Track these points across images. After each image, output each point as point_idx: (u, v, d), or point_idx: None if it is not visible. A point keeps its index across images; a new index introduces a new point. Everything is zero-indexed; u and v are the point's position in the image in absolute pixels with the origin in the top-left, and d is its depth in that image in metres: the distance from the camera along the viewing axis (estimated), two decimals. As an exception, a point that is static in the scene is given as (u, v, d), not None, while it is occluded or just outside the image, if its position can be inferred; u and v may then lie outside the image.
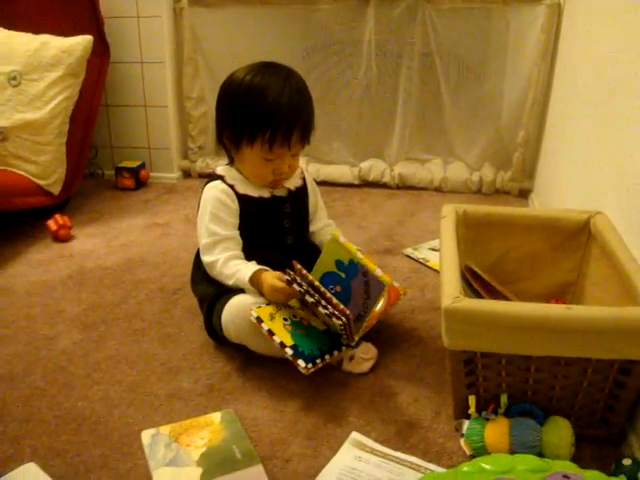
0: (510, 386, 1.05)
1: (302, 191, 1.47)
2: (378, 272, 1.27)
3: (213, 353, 1.36)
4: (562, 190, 1.93)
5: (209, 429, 1.09)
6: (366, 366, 1.28)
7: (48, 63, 2.08)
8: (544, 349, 0.98)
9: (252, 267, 1.30)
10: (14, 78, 2.06)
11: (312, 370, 1.19)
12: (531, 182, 2.39)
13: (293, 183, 1.44)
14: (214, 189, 1.37)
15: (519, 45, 2.31)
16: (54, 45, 2.10)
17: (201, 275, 1.41)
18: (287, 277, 1.24)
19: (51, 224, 1.97)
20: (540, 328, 0.95)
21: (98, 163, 2.63)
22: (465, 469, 0.60)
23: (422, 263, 1.81)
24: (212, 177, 1.42)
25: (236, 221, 1.36)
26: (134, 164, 2.51)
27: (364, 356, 1.29)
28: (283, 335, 1.21)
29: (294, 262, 1.27)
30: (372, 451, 1.06)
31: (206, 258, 1.35)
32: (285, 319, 1.26)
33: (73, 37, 2.13)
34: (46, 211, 2.05)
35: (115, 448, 1.07)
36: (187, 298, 1.57)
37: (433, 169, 2.52)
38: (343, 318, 1.19)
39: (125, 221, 2.17)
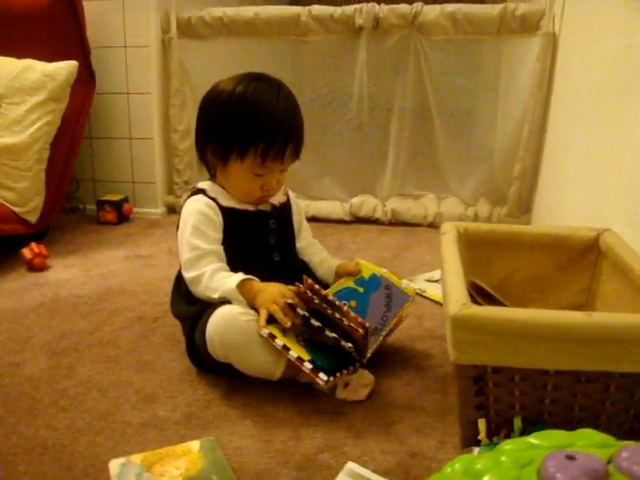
0: (524, 407, 0.94)
1: (286, 207, 1.40)
2: (403, 284, 1.26)
3: (194, 380, 1.24)
4: (563, 222, 1.86)
5: (186, 458, 0.97)
6: (363, 393, 1.17)
7: (30, 87, 2.01)
8: (562, 362, 0.88)
9: (241, 275, 1.20)
10: (-6, 101, 1.99)
11: (331, 384, 1.12)
12: (528, 217, 2.32)
13: (277, 199, 1.37)
14: (196, 202, 1.29)
15: (513, 76, 2.28)
16: (37, 69, 2.04)
17: (181, 296, 1.31)
18: (290, 301, 1.15)
19: (26, 252, 1.86)
20: (558, 337, 0.86)
21: (80, 197, 2.53)
22: (508, 447, 0.49)
23: (419, 294, 1.71)
24: (193, 192, 1.33)
25: (220, 236, 1.27)
26: (117, 197, 2.41)
27: (361, 382, 1.18)
28: (298, 349, 1.12)
29: (305, 277, 1.19)
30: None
31: (190, 274, 1.24)
32: (297, 335, 1.17)
33: (57, 62, 2.07)
34: (22, 240, 1.93)
35: (79, 479, 0.95)
36: (167, 326, 1.47)
37: (427, 204, 2.45)
38: (360, 330, 1.12)
39: (105, 253, 2.06)
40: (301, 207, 1.46)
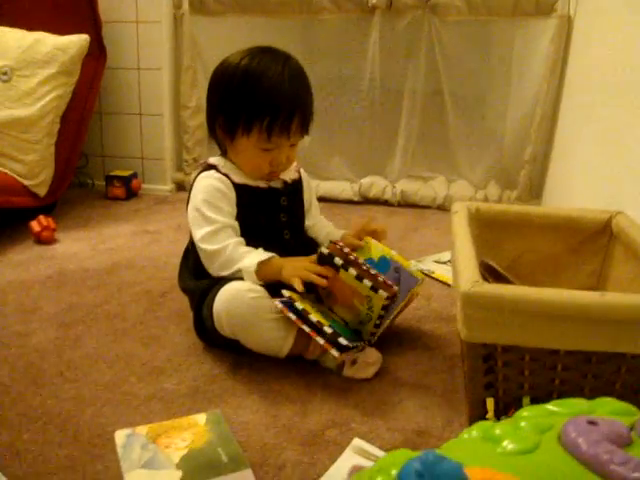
0: (533, 387, 0.93)
1: (298, 184, 1.38)
2: (412, 268, 1.25)
3: (200, 355, 1.24)
4: (574, 206, 1.84)
5: (192, 430, 0.97)
6: (370, 371, 1.16)
7: (41, 60, 2.00)
8: (573, 342, 0.87)
9: (263, 253, 1.20)
10: (5, 73, 1.98)
11: (342, 358, 1.13)
12: (538, 202, 2.30)
13: (289, 175, 1.35)
14: (209, 178, 1.27)
15: (526, 59, 2.24)
16: (49, 42, 2.03)
17: (189, 271, 1.31)
18: (327, 251, 1.17)
19: (34, 225, 1.86)
20: (569, 317, 0.85)
21: (88, 172, 2.52)
22: (526, 413, 0.48)
23: (427, 274, 1.69)
24: (204, 168, 1.31)
25: (234, 210, 1.26)
26: (126, 173, 2.41)
27: (368, 360, 1.17)
28: (318, 316, 1.13)
29: (335, 241, 1.21)
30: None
31: (209, 246, 1.21)
32: (312, 306, 1.17)
33: (69, 35, 2.06)
34: (30, 213, 1.93)
35: (84, 449, 0.95)
36: (175, 301, 1.46)
37: (436, 187, 2.43)
38: (394, 288, 1.14)
39: (113, 227, 2.06)
40: (312, 185, 1.45)
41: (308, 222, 1.41)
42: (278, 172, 1.30)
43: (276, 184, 1.32)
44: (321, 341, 1.10)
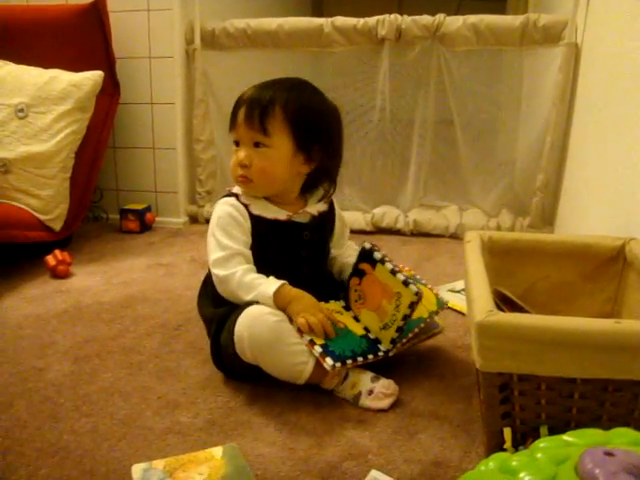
0: (551, 417, 0.92)
1: (326, 216, 1.36)
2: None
3: (216, 387, 1.24)
4: (587, 233, 1.84)
5: (209, 464, 0.97)
6: (386, 402, 1.16)
7: (57, 96, 2.03)
8: (589, 370, 0.86)
9: (276, 281, 1.20)
10: (21, 110, 2.01)
11: (338, 369, 1.14)
12: (551, 229, 2.29)
13: (317, 208, 1.33)
14: (225, 204, 1.29)
15: (535, 87, 2.26)
16: (64, 79, 2.07)
17: (209, 299, 1.31)
18: (368, 245, 1.26)
19: (50, 259, 1.88)
20: (585, 345, 0.84)
21: (103, 206, 2.55)
22: (543, 445, 0.48)
23: (441, 303, 1.70)
24: (225, 194, 1.32)
25: (248, 239, 1.26)
26: (140, 206, 2.43)
27: (385, 391, 1.17)
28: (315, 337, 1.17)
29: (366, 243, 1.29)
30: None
31: (220, 271, 1.23)
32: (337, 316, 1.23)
33: (83, 72, 2.10)
34: (45, 247, 1.95)
35: (101, 483, 0.95)
36: (190, 334, 1.47)
37: (449, 216, 2.43)
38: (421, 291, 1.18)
39: (127, 261, 2.07)
40: (344, 216, 1.45)
41: (339, 250, 1.42)
42: (246, 178, 1.26)
43: (301, 218, 1.31)
44: (317, 352, 1.14)
